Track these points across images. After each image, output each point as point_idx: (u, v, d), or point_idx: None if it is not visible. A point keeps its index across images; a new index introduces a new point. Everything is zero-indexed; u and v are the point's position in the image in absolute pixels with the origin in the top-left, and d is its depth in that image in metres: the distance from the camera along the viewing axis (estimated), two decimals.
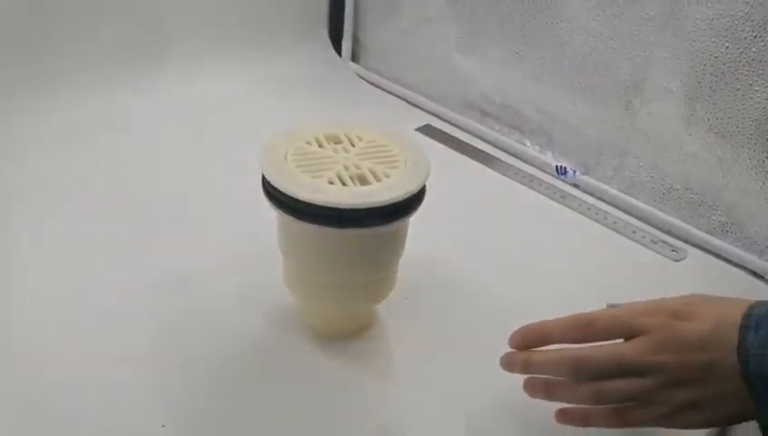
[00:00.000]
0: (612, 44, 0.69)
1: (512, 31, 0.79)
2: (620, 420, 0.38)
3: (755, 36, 0.57)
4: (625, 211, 0.72)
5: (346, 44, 1.02)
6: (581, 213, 0.71)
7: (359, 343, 0.51)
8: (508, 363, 0.42)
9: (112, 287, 0.55)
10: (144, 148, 0.75)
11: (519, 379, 0.43)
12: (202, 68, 0.88)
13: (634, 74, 0.68)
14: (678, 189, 0.68)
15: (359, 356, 0.50)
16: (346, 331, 0.51)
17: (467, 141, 0.84)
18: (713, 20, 0.60)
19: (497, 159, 0.80)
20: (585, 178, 0.75)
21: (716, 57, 0.60)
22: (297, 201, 0.41)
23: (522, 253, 0.63)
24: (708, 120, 0.63)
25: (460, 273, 0.58)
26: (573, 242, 0.66)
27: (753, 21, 0.57)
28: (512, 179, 0.76)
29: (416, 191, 0.43)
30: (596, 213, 0.71)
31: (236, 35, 0.92)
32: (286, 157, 0.44)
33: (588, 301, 0.58)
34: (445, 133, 0.86)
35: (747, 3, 0.57)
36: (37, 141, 0.72)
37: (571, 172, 0.76)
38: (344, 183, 0.42)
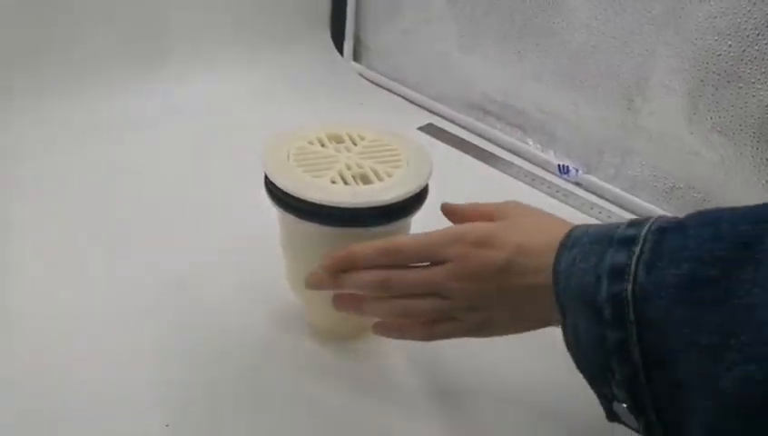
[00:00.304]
0: (614, 42, 0.69)
1: (513, 30, 0.79)
2: (429, 333, 0.41)
3: (758, 34, 0.57)
4: (627, 209, 0.72)
5: (348, 44, 1.02)
6: (583, 211, 0.71)
7: (360, 343, 0.50)
8: (317, 282, 0.42)
9: (114, 286, 0.54)
10: (147, 148, 0.75)
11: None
12: (204, 69, 0.88)
13: (636, 72, 0.68)
14: (681, 187, 0.68)
15: (361, 355, 0.50)
16: (348, 330, 0.51)
17: (469, 140, 0.84)
18: (715, 18, 0.59)
19: (499, 158, 0.80)
20: (588, 177, 0.75)
21: (719, 55, 0.60)
22: (298, 199, 0.41)
23: None
24: (711, 118, 0.63)
25: None
26: None
27: (755, 19, 0.57)
28: (514, 178, 0.76)
29: (418, 190, 0.42)
30: (599, 212, 0.71)
31: (237, 36, 0.92)
32: (288, 157, 0.44)
33: None
34: (447, 132, 0.86)
35: (750, 0, 0.57)
36: (39, 141, 0.72)
37: (573, 170, 0.76)
38: (346, 183, 0.42)
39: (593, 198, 0.73)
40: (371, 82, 0.99)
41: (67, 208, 0.64)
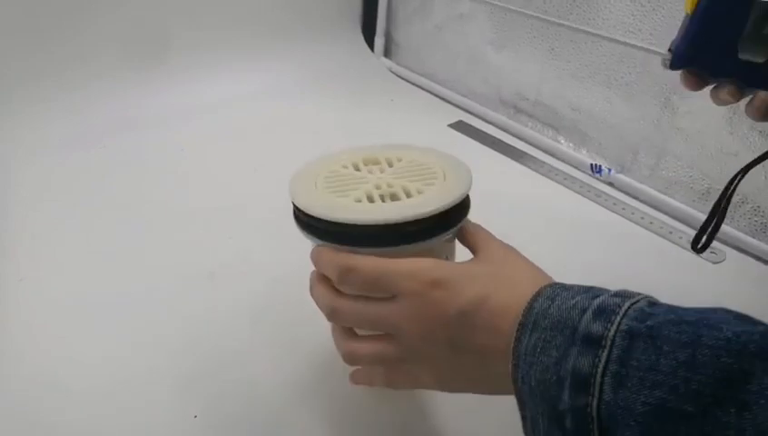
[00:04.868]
0: (651, 39, 0.67)
1: (547, 27, 0.78)
2: (389, 382, 0.39)
3: None
4: (661, 211, 0.70)
5: (378, 40, 1.02)
6: (615, 212, 0.70)
7: None
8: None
9: (144, 278, 0.55)
10: (179, 145, 0.76)
11: None
12: (233, 64, 0.89)
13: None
14: (718, 189, 0.66)
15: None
16: None
17: (500, 137, 0.83)
18: None
19: (531, 156, 0.79)
20: (621, 176, 0.74)
21: None
22: (308, 216, 0.38)
23: (554, 252, 0.62)
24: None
25: None
26: (607, 241, 0.65)
27: None
28: (545, 176, 0.75)
29: (438, 210, 0.38)
30: (632, 213, 0.69)
31: (267, 31, 0.92)
32: (316, 182, 0.41)
33: None
34: (478, 129, 0.85)
35: None
36: (57, 137, 0.74)
37: (606, 170, 0.75)
38: (372, 202, 0.39)
39: (626, 198, 0.72)
40: (402, 78, 0.99)
41: (96, 203, 0.65)
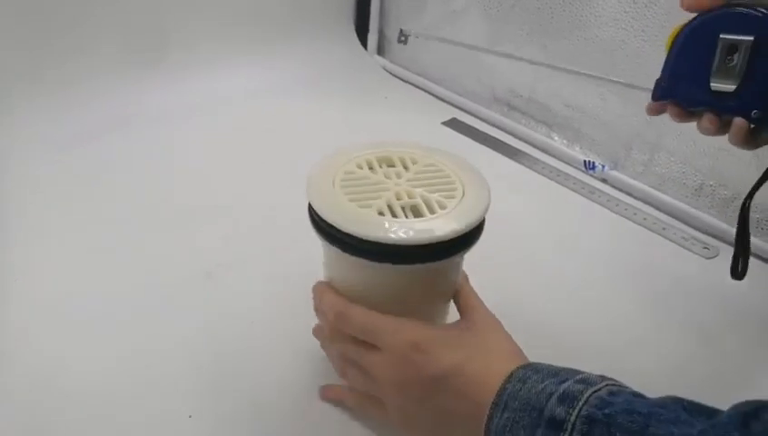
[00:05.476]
0: (643, 36, 0.67)
1: (540, 24, 0.78)
2: (361, 411, 0.44)
3: None
4: (655, 207, 0.70)
5: (372, 38, 1.02)
6: (609, 208, 0.70)
7: None
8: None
9: (141, 279, 0.55)
10: (170, 143, 0.76)
11: None
12: (228, 62, 0.88)
13: None
14: (711, 185, 0.67)
15: None
16: None
17: (493, 135, 0.83)
18: None
19: (525, 153, 0.79)
20: (614, 173, 0.74)
21: None
22: (340, 232, 0.38)
23: (547, 249, 0.63)
24: None
25: (485, 269, 0.58)
26: (600, 238, 0.65)
27: None
28: (539, 173, 0.75)
29: (466, 229, 0.38)
30: (625, 209, 0.70)
31: (261, 29, 0.92)
32: (334, 182, 0.41)
33: (616, 298, 0.57)
34: (471, 126, 0.85)
35: None
36: (57, 137, 0.74)
37: (599, 166, 0.75)
38: (394, 214, 0.39)
39: (619, 195, 0.72)
40: (395, 76, 0.99)
41: (93, 202, 0.65)
